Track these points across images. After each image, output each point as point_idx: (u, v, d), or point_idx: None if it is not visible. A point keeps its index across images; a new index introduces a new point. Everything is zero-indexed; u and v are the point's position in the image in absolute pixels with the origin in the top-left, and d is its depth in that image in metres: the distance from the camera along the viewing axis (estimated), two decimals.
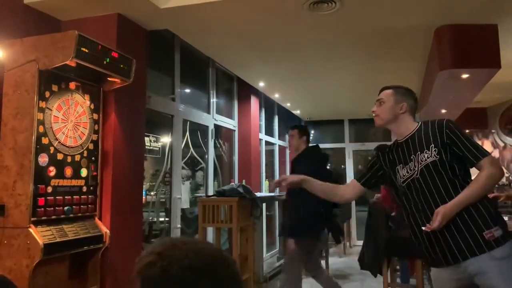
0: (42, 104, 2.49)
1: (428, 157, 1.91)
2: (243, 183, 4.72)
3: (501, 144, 7.18)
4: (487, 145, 7.51)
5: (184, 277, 0.78)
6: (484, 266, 1.79)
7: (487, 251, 1.78)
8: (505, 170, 6.96)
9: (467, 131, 7.84)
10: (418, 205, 1.93)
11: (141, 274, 0.80)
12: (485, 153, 1.87)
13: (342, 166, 8.72)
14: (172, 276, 0.78)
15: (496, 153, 7.30)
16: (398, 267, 4.61)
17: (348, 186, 2.29)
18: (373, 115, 2.10)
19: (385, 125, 2.09)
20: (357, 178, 2.24)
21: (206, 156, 5.07)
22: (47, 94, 2.53)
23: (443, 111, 5.69)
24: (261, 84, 5.74)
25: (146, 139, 3.85)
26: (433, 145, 1.91)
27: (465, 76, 3.90)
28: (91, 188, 2.81)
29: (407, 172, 1.97)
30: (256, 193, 4.59)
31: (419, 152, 1.95)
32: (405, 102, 2.05)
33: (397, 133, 2.08)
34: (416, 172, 1.94)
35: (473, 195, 1.83)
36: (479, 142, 7.70)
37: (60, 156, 2.59)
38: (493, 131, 7.34)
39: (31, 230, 2.36)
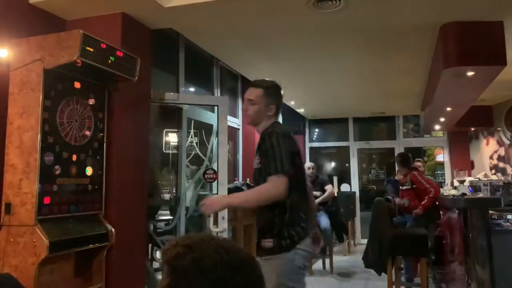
0: (48, 103, 2.51)
1: (257, 163, 2.04)
2: (247, 181, 4.72)
3: (507, 142, 7.13)
4: (492, 143, 7.46)
5: (216, 270, 0.79)
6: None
7: (260, 257, 1.94)
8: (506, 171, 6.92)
9: (472, 129, 7.77)
10: None
11: (171, 265, 0.82)
12: (278, 171, 1.87)
13: (347, 164, 8.70)
14: (204, 268, 0.79)
15: (501, 151, 7.25)
16: (402, 265, 4.60)
17: None
18: (244, 113, 2.21)
19: (254, 125, 2.18)
20: None
21: (211, 155, 5.07)
22: (53, 93, 2.55)
23: (448, 109, 5.65)
24: None
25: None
26: (258, 152, 2.04)
27: (470, 74, 3.87)
28: (96, 186, 2.82)
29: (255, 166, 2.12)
30: None
31: (256, 155, 2.08)
32: (274, 104, 2.12)
33: (260, 132, 2.16)
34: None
35: (241, 198, 2.06)
36: (484, 140, 7.63)
37: (65, 155, 2.60)
38: (498, 129, 7.29)
39: (36, 228, 2.38)
